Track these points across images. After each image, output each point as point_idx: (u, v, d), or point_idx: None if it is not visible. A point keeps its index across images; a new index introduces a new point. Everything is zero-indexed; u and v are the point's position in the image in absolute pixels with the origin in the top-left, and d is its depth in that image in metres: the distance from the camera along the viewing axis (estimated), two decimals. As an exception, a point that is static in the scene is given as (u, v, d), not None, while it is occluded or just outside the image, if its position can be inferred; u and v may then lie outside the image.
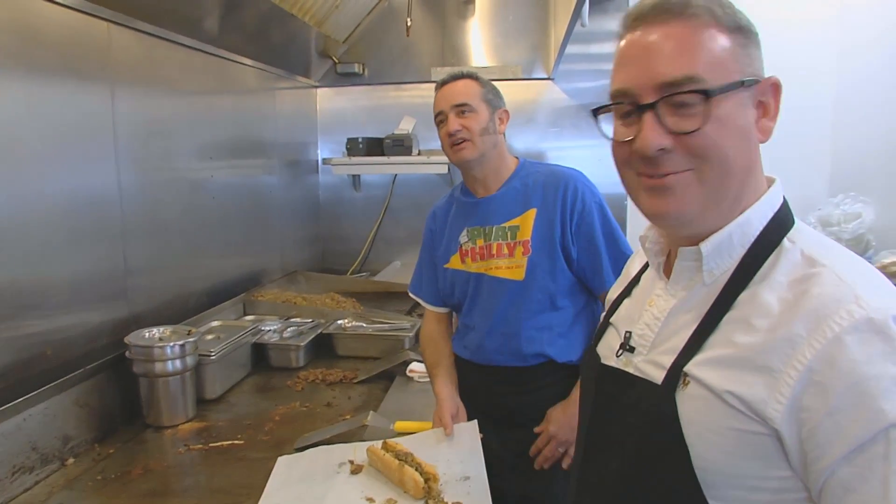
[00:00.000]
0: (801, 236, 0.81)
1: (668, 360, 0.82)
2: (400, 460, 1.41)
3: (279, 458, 1.54)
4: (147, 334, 1.87)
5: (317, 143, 3.90)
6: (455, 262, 1.79)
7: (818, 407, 0.69)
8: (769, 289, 0.77)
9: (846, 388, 0.68)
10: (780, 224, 0.82)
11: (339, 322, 2.55)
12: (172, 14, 2.21)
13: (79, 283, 1.79)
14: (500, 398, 1.73)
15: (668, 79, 0.76)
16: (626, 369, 0.90)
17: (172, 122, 2.31)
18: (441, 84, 1.77)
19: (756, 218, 0.82)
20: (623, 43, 0.83)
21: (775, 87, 0.81)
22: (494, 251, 1.72)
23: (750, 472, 0.75)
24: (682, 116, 0.77)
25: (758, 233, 0.81)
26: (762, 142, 0.82)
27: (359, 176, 3.87)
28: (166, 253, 2.25)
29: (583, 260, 1.69)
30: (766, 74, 0.82)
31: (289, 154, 3.49)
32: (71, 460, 1.60)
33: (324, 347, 2.46)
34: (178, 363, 1.82)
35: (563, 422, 1.65)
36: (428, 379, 2.14)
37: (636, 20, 0.81)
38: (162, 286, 2.21)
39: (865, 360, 0.68)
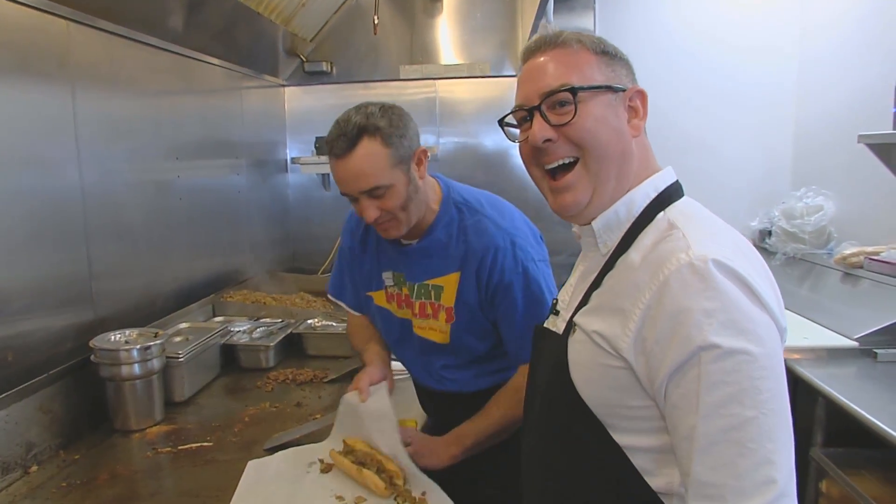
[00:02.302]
0: (674, 209, 0.99)
1: (569, 315, 1.03)
2: (359, 463, 1.41)
3: (249, 463, 1.53)
4: (113, 337, 1.85)
5: (285, 143, 3.88)
6: (381, 300, 1.71)
7: (650, 336, 0.86)
8: (636, 250, 0.96)
9: (667, 318, 0.84)
10: (661, 201, 1.00)
11: (309, 322, 2.54)
12: (134, 13, 2.18)
13: (41, 287, 1.75)
14: (449, 414, 1.69)
15: (548, 88, 0.99)
16: (550, 327, 1.10)
17: (136, 122, 2.28)
18: (334, 154, 1.42)
19: (639, 197, 1.00)
20: (520, 72, 1.07)
21: (642, 95, 1.03)
22: (417, 310, 1.63)
23: (621, 401, 0.92)
24: (560, 113, 0.99)
25: (641, 209, 1.00)
26: (635, 137, 1.01)
27: (328, 175, 3.85)
28: (132, 255, 2.22)
29: (502, 330, 1.57)
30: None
31: (257, 154, 3.47)
32: (34, 468, 1.57)
33: (294, 347, 2.44)
34: (144, 366, 1.80)
35: (427, 446, 1.55)
36: (399, 377, 2.15)
37: (526, 53, 1.06)
38: (128, 289, 2.18)
39: (683, 296, 0.84)
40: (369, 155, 1.40)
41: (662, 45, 3.72)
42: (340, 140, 1.40)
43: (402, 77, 3.74)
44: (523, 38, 3.31)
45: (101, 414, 1.82)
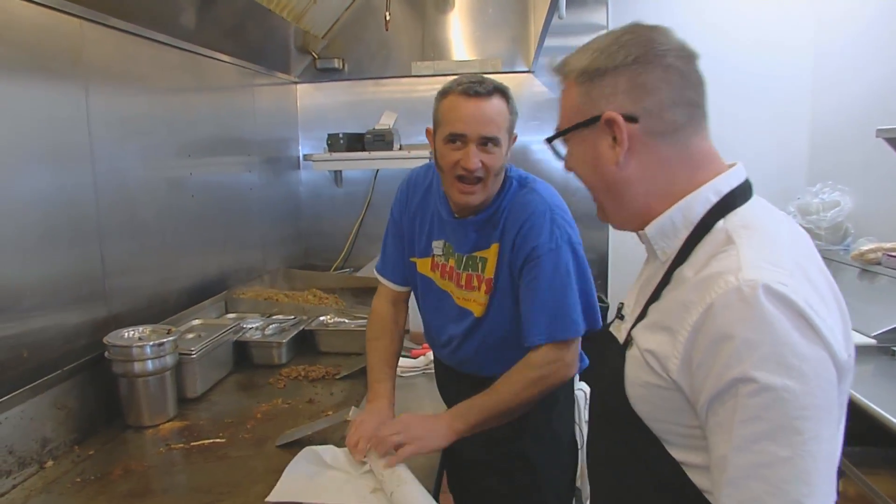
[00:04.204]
0: (735, 218, 0.93)
1: (630, 325, 1.01)
2: None
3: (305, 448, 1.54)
4: (126, 334, 1.85)
5: (297, 140, 3.89)
6: (425, 268, 1.73)
7: (696, 360, 0.83)
8: (691, 265, 0.91)
9: (709, 344, 0.81)
10: (723, 207, 0.94)
11: (322, 318, 2.54)
12: (147, 10, 2.19)
13: (55, 284, 1.76)
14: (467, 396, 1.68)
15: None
16: (614, 332, 1.08)
17: (149, 119, 2.29)
18: (468, 93, 1.48)
19: (697, 203, 0.95)
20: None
21: (611, 122, 0.95)
22: (463, 282, 1.65)
23: (674, 420, 0.90)
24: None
25: (701, 216, 0.94)
26: (615, 164, 0.97)
27: (340, 172, 3.86)
28: (145, 252, 2.23)
29: (522, 304, 1.56)
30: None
31: (269, 151, 3.48)
32: (49, 463, 1.59)
33: (306, 344, 2.45)
34: (157, 362, 1.81)
35: (423, 426, 1.49)
36: (411, 374, 2.16)
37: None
38: (141, 286, 2.19)
39: (726, 322, 0.80)
40: (500, 109, 1.51)
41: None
42: (479, 85, 1.48)
43: (413, 73, 3.73)
44: (535, 34, 3.29)
45: (115, 410, 1.83)
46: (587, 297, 1.59)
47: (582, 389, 1.91)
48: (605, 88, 0.96)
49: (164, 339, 1.84)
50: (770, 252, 0.85)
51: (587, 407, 1.94)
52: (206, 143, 2.74)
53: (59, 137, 1.81)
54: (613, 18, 3.74)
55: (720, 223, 0.92)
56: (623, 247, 3.98)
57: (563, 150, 1.07)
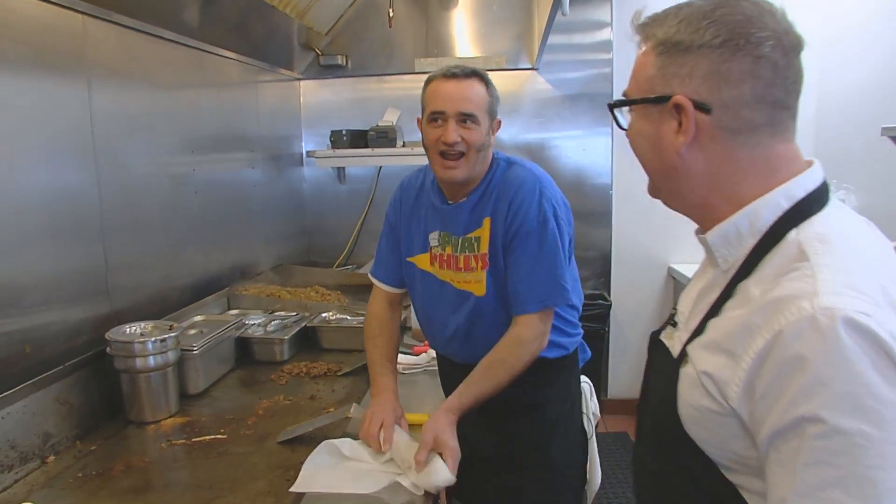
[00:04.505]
0: (811, 226, 0.82)
1: (685, 338, 0.91)
2: None
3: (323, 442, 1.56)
4: (128, 330, 1.86)
5: (301, 136, 3.89)
6: (423, 263, 1.75)
7: (758, 389, 0.75)
8: (757, 281, 0.82)
9: (776, 375, 0.73)
10: (797, 214, 0.84)
11: (324, 315, 2.54)
12: (150, 7, 2.19)
13: (58, 280, 1.77)
14: None
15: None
16: (667, 342, 1.01)
17: (152, 116, 2.29)
18: (447, 76, 1.59)
19: (766, 209, 0.84)
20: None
21: (679, 108, 0.85)
22: (462, 264, 1.68)
23: (730, 447, 0.82)
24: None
25: (770, 223, 0.84)
26: (676, 152, 0.88)
27: (343, 168, 3.87)
28: (148, 248, 2.23)
29: (508, 277, 1.62)
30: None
31: (272, 147, 3.48)
32: (51, 458, 1.59)
33: (308, 341, 2.45)
34: (159, 358, 1.81)
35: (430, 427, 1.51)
36: (413, 370, 2.16)
37: None
38: (144, 282, 2.20)
39: (795, 354, 0.71)
40: (477, 89, 1.59)
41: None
42: (457, 69, 1.59)
43: (417, 70, 3.73)
44: (539, 31, 3.28)
45: (117, 405, 1.83)
46: (572, 269, 1.67)
47: (587, 382, 1.92)
48: (682, 67, 0.85)
49: (166, 335, 1.84)
50: (851, 274, 0.75)
51: (593, 398, 1.94)
52: (209, 140, 2.74)
53: (62, 134, 1.81)
54: (618, 14, 3.73)
55: (792, 234, 0.82)
56: (626, 245, 3.98)
57: (623, 119, 0.98)
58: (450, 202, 1.69)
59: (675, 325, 1.01)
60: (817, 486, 0.69)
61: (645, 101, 0.89)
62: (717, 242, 0.89)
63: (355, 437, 1.58)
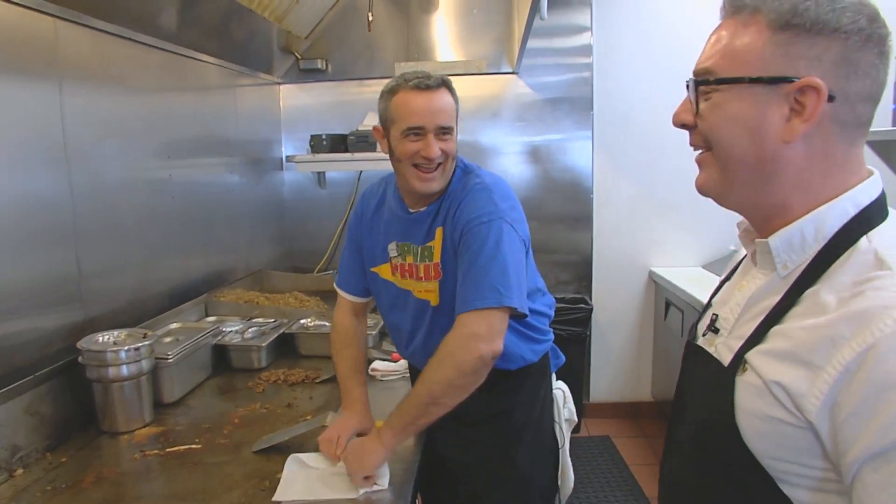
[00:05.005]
0: (883, 236, 0.80)
1: (737, 346, 0.87)
2: None
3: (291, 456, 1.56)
4: (101, 338, 1.83)
5: (280, 141, 3.87)
6: (385, 273, 1.74)
7: (846, 405, 0.72)
8: (831, 288, 0.78)
9: (872, 392, 0.70)
10: (863, 222, 0.81)
11: (302, 321, 2.52)
12: (124, 10, 2.16)
13: (28, 287, 1.73)
14: None
15: (700, 65, 0.88)
16: (708, 348, 0.96)
17: (127, 120, 2.26)
18: (419, 87, 1.52)
19: (833, 215, 0.82)
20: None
21: (816, 91, 0.79)
22: (422, 273, 1.66)
23: (794, 459, 0.79)
24: (702, 100, 0.87)
25: (836, 230, 0.82)
26: (787, 142, 0.81)
27: (324, 173, 3.85)
28: (123, 255, 2.20)
29: (458, 280, 1.56)
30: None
31: (252, 152, 3.45)
32: (20, 471, 1.55)
33: (286, 347, 2.42)
34: (133, 367, 1.78)
35: (357, 447, 1.51)
36: (391, 378, 2.14)
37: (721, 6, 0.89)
38: (119, 289, 2.16)
39: (894, 370, 0.69)
40: (449, 100, 1.58)
41: (661, 41, 3.69)
42: (428, 79, 1.53)
43: (397, 74, 3.71)
44: (519, 35, 3.29)
45: (90, 416, 1.80)
46: (519, 275, 1.54)
47: (560, 388, 1.91)
48: (811, 49, 0.78)
49: (140, 344, 1.81)
50: None
51: (567, 404, 1.94)
52: (187, 145, 2.71)
53: (33, 138, 1.78)
54: (598, 19, 3.74)
55: (864, 241, 0.79)
56: (607, 249, 3.99)
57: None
58: (411, 211, 1.67)
59: (716, 331, 0.96)
60: None
61: (762, 80, 0.80)
62: (780, 248, 0.85)
63: None
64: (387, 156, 1.62)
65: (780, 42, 0.80)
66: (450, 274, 1.61)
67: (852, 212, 0.82)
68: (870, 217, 0.82)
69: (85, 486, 1.49)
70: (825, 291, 0.79)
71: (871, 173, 0.86)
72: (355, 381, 1.72)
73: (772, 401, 0.79)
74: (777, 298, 0.85)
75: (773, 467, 0.81)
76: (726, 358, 0.89)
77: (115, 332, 1.87)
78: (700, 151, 0.90)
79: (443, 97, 1.55)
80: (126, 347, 1.77)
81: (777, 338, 0.82)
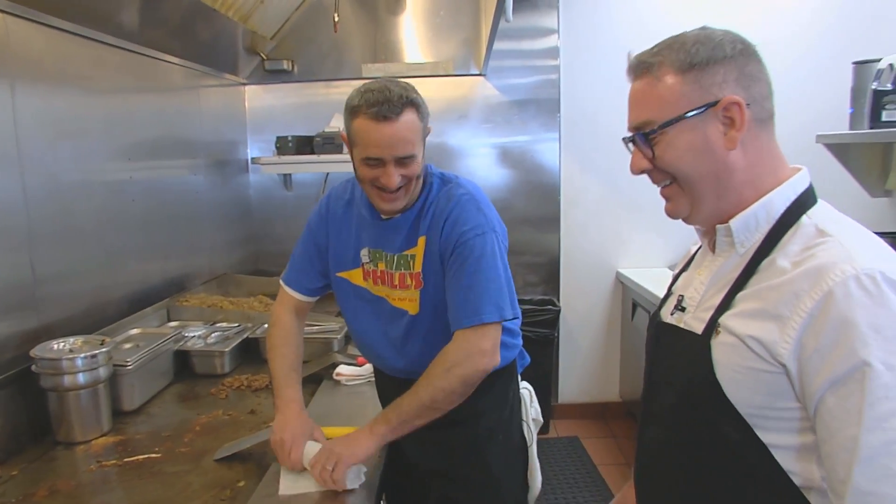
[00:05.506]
0: (818, 213, 1.00)
1: (707, 315, 1.03)
2: None
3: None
4: (56, 346, 1.77)
5: (246, 142, 3.82)
6: (356, 278, 1.71)
7: (811, 344, 0.88)
8: (785, 256, 0.96)
9: (831, 329, 0.86)
10: (802, 204, 1.01)
11: (267, 325, 2.48)
12: (81, 8, 2.10)
13: (-22, 294, 1.68)
14: None
15: (634, 122, 1.05)
16: (678, 324, 1.11)
17: (84, 121, 2.20)
18: (377, 119, 1.44)
19: (779, 199, 1.01)
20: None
21: (738, 105, 0.98)
22: (397, 281, 1.63)
23: (769, 404, 0.94)
24: (648, 147, 1.04)
25: (782, 211, 1.01)
26: (730, 149, 1.00)
27: (290, 175, 3.80)
28: (81, 259, 2.14)
29: (447, 291, 1.57)
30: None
31: (216, 153, 3.39)
32: (-31, 484, 1.50)
33: (250, 352, 2.39)
34: (89, 375, 1.72)
35: (346, 438, 1.51)
36: (356, 382, 2.12)
37: (627, 74, 1.08)
38: (76, 294, 2.11)
39: (848, 308, 0.86)
40: (411, 124, 1.48)
41: (628, 43, 3.70)
42: (387, 106, 1.44)
43: (364, 76, 3.69)
44: (486, 37, 3.28)
45: (44, 426, 1.74)
46: (510, 285, 1.59)
47: (527, 388, 1.91)
48: (716, 76, 0.99)
49: (97, 351, 1.76)
50: (870, 244, 0.94)
51: (533, 404, 1.93)
52: (148, 146, 2.65)
53: (-18, 139, 1.72)
54: (565, 22, 3.76)
55: (805, 218, 0.99)
56: (575, 251, 4.01)
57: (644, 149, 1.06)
58: (384, 218, 1.64)
59: (683, 310, 1.12)
60: (881, 419, 0.84)
61: (694, 112, 0.99)
62: (739, 228, 1.02)
63: None
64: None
65: (691, 80, 0.99)
66: (432, 284, 1.59)
67: (793, 197, 1.01)
68: (805, 201, 1.01)
69: (37, 499, 1.44)
70: (780, 259, 0.96)
71: (800, 169, 1.05)
72: (291, 381, 1.68)
73: (748, 353, 0.94)
74: (738, 272, 1.02)
75: (751, 414, 0.95)
76: (698, 328, 1.04)
77: (71, 339, 1.81)
78: (665, 185, 1.07)
79: (403, 126, 1.46)
80: (82, 355, 1.72)
81: (744, 301, 0.99)
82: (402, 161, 1.48)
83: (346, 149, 1.61)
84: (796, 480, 0.95)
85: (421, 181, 1.60)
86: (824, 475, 0.91)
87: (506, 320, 1.54)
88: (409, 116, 1.47)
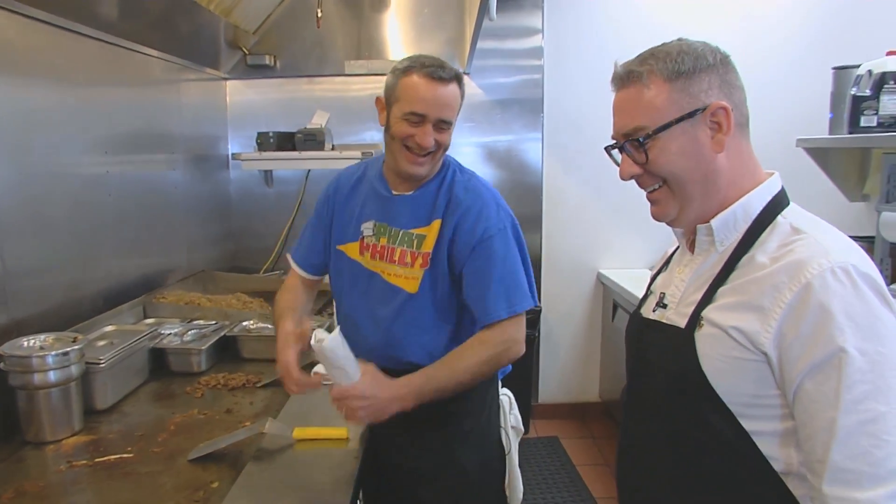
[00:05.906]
0: (792, 213, 1.08)
1: (690, 310, 1.09)
2: None
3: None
4: (26, 343, 1.73)
5: (227, 138, 3.77)
6: (352, 251, 1.72)
7: (791, 333, 0.95)
8: (763, 252, 1.03)
9: (810, 318, 0.93)
10: (777, 204, 1.09)
11: (245, 323, 2.45)
12: (55, -2, 2.06)
13: (-55, 289, 1.63)
14: None
15: (624, 129, 1.10)
16: (661, 320, 1.17)
17: (59, 114, 2.16)
18: (433, 77, 1.55)
19: (756, 200, 1.09)
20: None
21: (724, 110, 1.06)
22: (397, 257, 1.65)
23: (752, 392, 1.00)
24: (640, 152, 1.09)
25: (758, 212, 1.08)
26: (718, 152, 1.07)
27: (271, 171, 3.77)
28: (54, 254, 2.10)
29: (470, 286, 1.62)
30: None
31: (196, 148, 3.35)
32: (-69, 486, 1.46)
33: (228, 351, 2.35)
34: (60, 373, 1.68)
35: (376, 388, 1.47)
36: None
37: (612, 84, 1.15)
38: (49, 290, 2.06)
39: (825, 299, 0.93)
40: (457, 94, 1.61)
41: (612, 44, 3.72)
42: (442, 70, 1.56)
43: (347, 72, 3.66)
44: (470, 35, 3.27)
45: (13, 425, 1.70)
46: (528, 275, 1.68)
47: (506, 394, 1.90)
48: (702, 84, 1.06)
49: (69, 348, 1.72)
50: (842, 241, 1.01)
51: (513, 411, 1.92)
52: (125, 140, 2.61)
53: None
54: (549, 22, 3.76)
55: (780, 218, 1.06)
56: (556, 251, 4.01)
57: (630, 156, 1.12)
58: (395, 192, 1.68)
59: (664, 306, 1.18)
60: (857, 401, 0.90)
61: (685, 117, 1.06)
62: (719, 227, 1.09)
63: (270, 453, 1.55)
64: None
65: (678, 88, 1.06)
66: (440, 270, 1.63)
67: (768, 198, 1.09)
68: (779, 201, 1.10)
69: (3, 501, 1.40)
70: (759, 255, 1.04)
71: (773, 173, 1.13)
72: (288, 315, 1.69)
73: (731, 343, 1.00)
74: (718, 269, 1.08)
75: (736, 403, 1.01)
76: (681, 322, 1.10)
77: (42, 336, 1.77)
78: (653, 189, 1.12)
79: (451, 92, 1.58)
80: (53, 352, 1.68)
81: (726, 295, 1.05)
82: (440, 125, 1.58)
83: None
84: (777, 466, 1.01)
85: (443, 159, 1.68)
86: (802, 460, 0.98)
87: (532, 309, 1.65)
88: (455, 87, 1.60)
